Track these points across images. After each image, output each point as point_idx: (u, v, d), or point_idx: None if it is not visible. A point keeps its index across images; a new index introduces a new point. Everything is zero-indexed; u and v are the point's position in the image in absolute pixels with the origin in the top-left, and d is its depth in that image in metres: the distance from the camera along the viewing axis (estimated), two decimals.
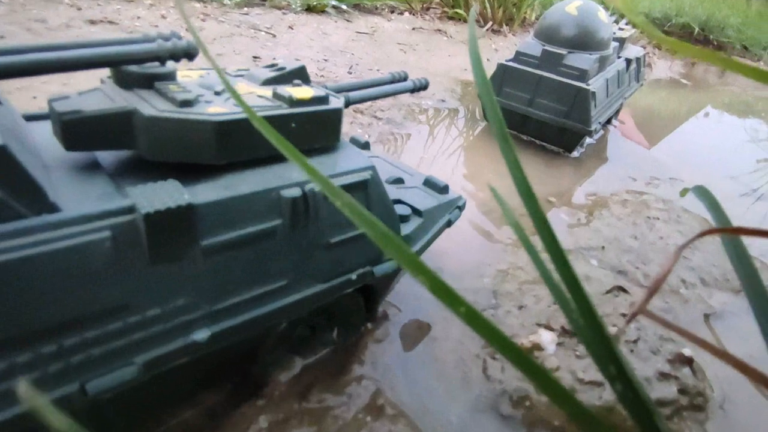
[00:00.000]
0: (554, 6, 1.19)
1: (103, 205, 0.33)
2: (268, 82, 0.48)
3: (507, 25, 2.33)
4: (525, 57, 1.18)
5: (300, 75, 0.50)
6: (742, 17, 2.90)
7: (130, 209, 0.34)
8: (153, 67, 0.42)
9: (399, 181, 0.65)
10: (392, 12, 2.13)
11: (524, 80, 1.17)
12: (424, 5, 2.38)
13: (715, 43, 2.70)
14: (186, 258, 0.37)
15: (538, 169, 1.14)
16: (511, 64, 1.18)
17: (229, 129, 0.39)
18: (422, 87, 0.70)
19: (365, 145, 0.71)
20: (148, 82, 0.41)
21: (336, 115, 0.47)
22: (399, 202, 0.59)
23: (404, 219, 0.57)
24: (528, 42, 1.19)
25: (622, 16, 1.47)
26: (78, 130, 0.36)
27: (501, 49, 2.01)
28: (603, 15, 1.14)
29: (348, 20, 1.83)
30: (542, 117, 1.16)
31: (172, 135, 0.38)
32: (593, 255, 0.83)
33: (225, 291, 0.40)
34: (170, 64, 0.43)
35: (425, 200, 0.61)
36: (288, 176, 0.43)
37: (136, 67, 0.41)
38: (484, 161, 1.15)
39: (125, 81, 0.41)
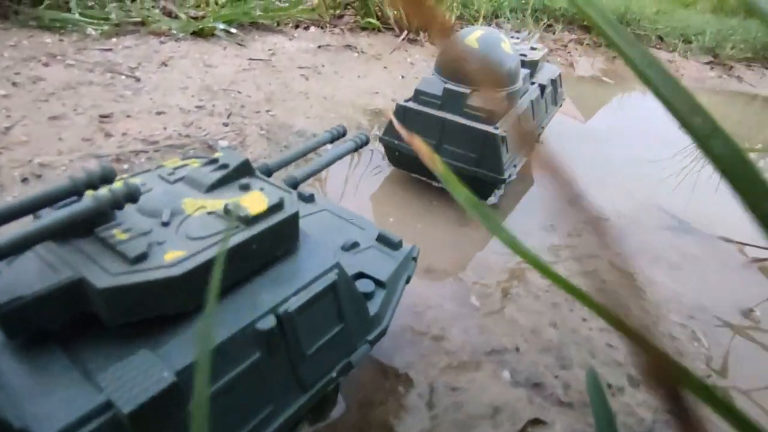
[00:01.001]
0: (454, 37, 1.01)
1: (75, 409, 0.29)
2: (213, 187, 0.43)
3: (425, 31, 2.14)
4: (425, 96, 1.00)
5: (245, 170, 0.45)
6: (657, 6, 2.87)
7: (108, 405, 0.30)
8: None
9: (354, 245, 0.58)
10: (297, 27, 1.88)
11: (427, 123, 0.99)
12: (336, 13, 2.15)
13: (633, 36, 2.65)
14: (175, 427, 0.33)
15: (449, 228, 0.97)
16: (410, 105, 1.00)
17: (196, 275, 0.35)
18: (364, 144, 0.67)
19: (310, 198, 0.65)
20: (86, 229, 0.35)
21: (294, 219, 0.43)
22: (360, 275, 0.54)
23: (369, 296, 0.52)
24: (428, 79, 1.01)
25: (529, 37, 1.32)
26: (21, 318, 0.32)
27: (417, 62, 1.83)
28: (507, 46, 0.98)
29: (241, 44, 1.58)
30: (451, 165, 0.99)
31: (131, 299, 0.33)
32: (506, 362, 0.68)
33: None
34: None
35: (384, 264, 0.56)
36: (259, 303, 0.39)
37: None
38: (391, 211, 0.97)
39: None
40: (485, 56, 0.95)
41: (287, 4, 1.92)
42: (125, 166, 0.86)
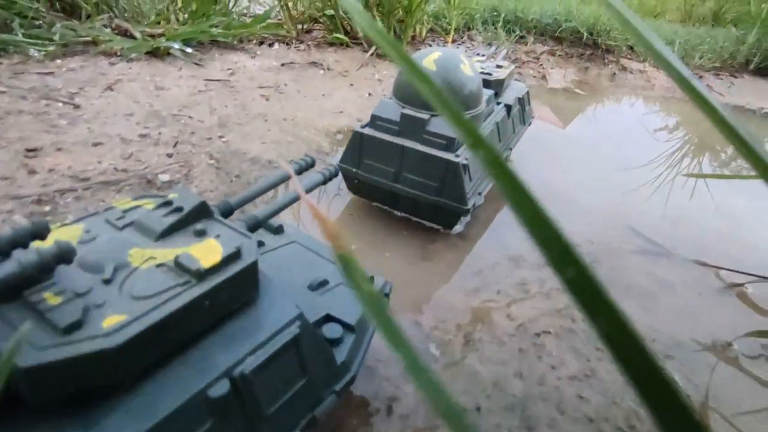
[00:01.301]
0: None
1: None
2: (165, 234, 0.39)
3: None
4: (383, 122, 0.93)
5: (201, 213, 0.41)
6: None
7: None
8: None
9: (323, 284, 0.54)
10: (261, 44, 1.81)
11: (385, 151, 0.92)
12: (304, 28, 2.08)
13: (604, 46, 2.63)
14: None
15: (411, 261, 0.90)
16: (367, 131, 0.93)
17: (137, 343, 0.30)
18: (333, 176, 0.63)
19: (278, 229, 0.61)
20: (13, 291, 0.30)
21: (252, 269, 0.39)
22: (328, 319, 0.50)
23: (336, 342, 0.49)
24: (385, 103, 0.94)
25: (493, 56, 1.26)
26: None
27: (385, 79, 1.76)
28: (467, 67, 0.91)
29: (198, 64, 1.50)
30: (411, 194, 0.92)
31: (59, 375, 0.28)
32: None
33: None
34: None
35: (354, 305, 0.52)
36: (211, 365, 0.35)
37: None
38: (352, 240, 0.90)
39: None
40: (444, 79, 0.89)
41: (251, 20, 1.84)
42: (47, 208, 0.77)
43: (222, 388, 0.35)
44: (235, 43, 1.73)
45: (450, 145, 0.88)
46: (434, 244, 0.95)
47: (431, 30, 2.47)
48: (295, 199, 0.59)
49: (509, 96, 1.15)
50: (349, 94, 1.58)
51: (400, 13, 1.99)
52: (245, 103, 1.35)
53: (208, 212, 0.42)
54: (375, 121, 0.93)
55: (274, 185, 0.60)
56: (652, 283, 0.95)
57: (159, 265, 0.36)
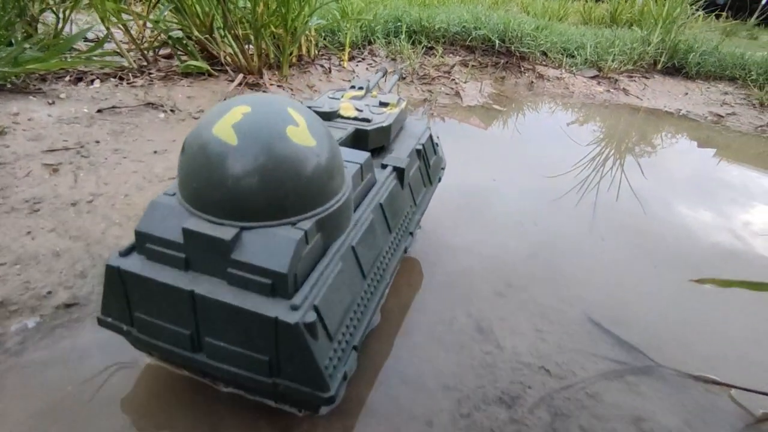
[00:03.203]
0: (196, 128, 0.50)
1: None
2: None
3: (276, 69, 1.63)
4: (157, 245, 0.47)
5: None
6: (535, 22, 2.62)
7: None
8: None
9: None
10: (78, 81, 1.27)
11: (165, 300, 0.47)
12: (158, 54, 1.56)
13: (518, 54, 2.35)
14: None
15: None
16: (128, 266, 0.47)
17: None
18: None
19: None
20: None
21: None
22: None
23: None
24: (159, 206, 0.49)
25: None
26: None
27: None
28: (303, 131, 0.48)
29: None
30: (223, 372, 0.47)
31: None
32: None
33: None
34: None
35: None
36: None
37: None
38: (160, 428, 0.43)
39: None
40: (256, 158, 0.45)
41: (48, 50, 1.30)
42: None
43: None
44: (31, 84, 1.18)
45: (279, 285, 0.44)
46: None
47: (325, 47, 2.05)
48: None
49: (402, 149, 0.74)
50: None
51: (274, 28, 1.54)
52: (7, 183, 0.83)
53: None
54: (143, 244, 0.48)
55: None
56: None
57: None
